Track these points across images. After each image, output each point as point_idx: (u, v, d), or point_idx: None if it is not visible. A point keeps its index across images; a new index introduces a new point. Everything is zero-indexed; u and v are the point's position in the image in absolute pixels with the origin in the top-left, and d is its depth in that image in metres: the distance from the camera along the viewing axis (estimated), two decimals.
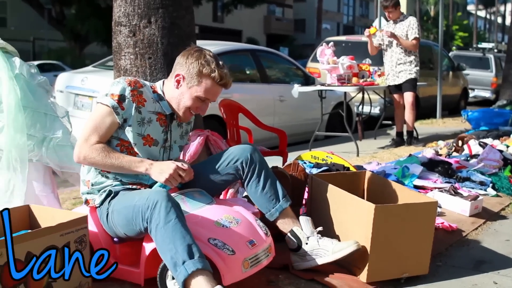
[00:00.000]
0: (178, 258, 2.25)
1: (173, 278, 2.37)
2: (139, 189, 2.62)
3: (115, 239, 2.63)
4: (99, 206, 2.64)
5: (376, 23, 10.15)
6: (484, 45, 20.69)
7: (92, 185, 2.67)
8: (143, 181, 2.64)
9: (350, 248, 2.66)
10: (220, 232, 2.48)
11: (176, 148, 2.82)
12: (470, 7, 72.29)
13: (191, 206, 2.57)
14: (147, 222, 2.35)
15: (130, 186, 2.64)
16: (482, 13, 73.26)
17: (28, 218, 2.61)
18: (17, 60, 3.25)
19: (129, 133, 2.61)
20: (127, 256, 2.64)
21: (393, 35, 7.21)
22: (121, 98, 2.57)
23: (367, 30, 7.38)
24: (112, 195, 2.60)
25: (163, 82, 2.77)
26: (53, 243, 2.25)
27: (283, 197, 2.81)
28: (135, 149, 2.63)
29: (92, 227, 2.63)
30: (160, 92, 2.71)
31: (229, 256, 2.39)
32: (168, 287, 2.42)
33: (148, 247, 2.48)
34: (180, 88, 2.66)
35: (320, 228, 2.80)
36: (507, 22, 63.31)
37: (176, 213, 2.32)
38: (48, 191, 3.15)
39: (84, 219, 2.41)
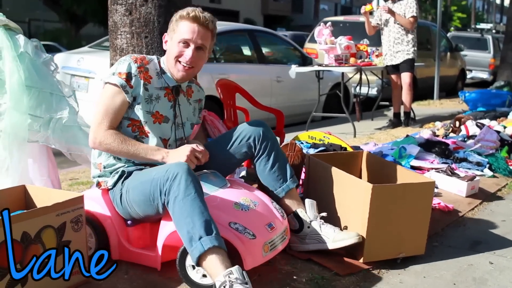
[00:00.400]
0: (195, 233, 2.21)
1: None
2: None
3: (128, 222, 2.60)
4: (111, 188, 2.61)
5: (374, 3, 10.08)
6: (482, 26, 20.62)
7: (104, 167, 2.64)
8: (158, 163, 2.58)
9: (351, 240, 2.66)
10: (240, 215, 2.45)
11: (188, 125, 2.78)
12: None
13: (208, 189, 2.51)
14: (165, 194, 2.31)
15: (143, 167, 2.61)
16: None
17: (24, 198, 2.60)
18: (21, 38, 3.14)
19: (138, 112, 2.57)
20: (141, 239, 2.63)
21: (390, 11, 7.18)
22: (129, 76, 2.54)
23: (363, 7, 7.33)
24: (126, 175, 2.57)
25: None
26: (49, 223, 2.24)
27: (290, 177, 2.81)
28: (146, 128, 2.60)
29: (104, 210, 2.61)
30: (164, 65, 2.68)
31: (250, 240, 2.37)
32: (186, 263, 2.36)
33: (165, 229, 2.44)
34: (167, 45, 2.65)
35: (324, 214, 2.79)
36: (506, 3, 62.95)
37: (196, 187, 2.28)
38: (45, 173, 3.11)
39: (80, 199, 2.39)
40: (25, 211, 2.28)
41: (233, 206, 2.49)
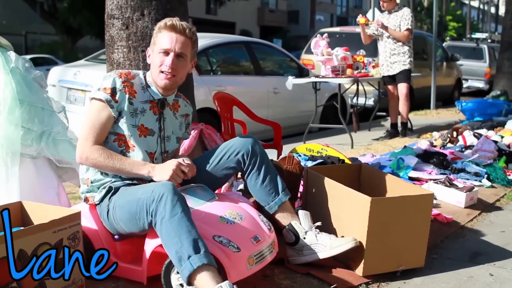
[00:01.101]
0: (183, 253, 2.22)
1: (178, 273, 2.33)
2: (140, 184, 2.59)
3: (115, 236, 2.60)
4: (99, 203, 2.61)
5: (369, 14, 10.14)
6: (477, 35, 20.75)
7: (92, 182, 2.64)
8: (144, 177, 2.59)
9: (348, 245, 2.65)
10: (225, 228, 2.45)
11: (173, 138, 2.78)
12: None
13: (194, 203, 2.52)
14: (152, 216, 2.32)
15: (130, 182, 2.61)
16: (475, 3, 73.25)
17: (21, 215, 2.58)
18: (12, 54, 3.20)
19: (123, 125, 2.59)
20: (128, 253, 2.62)
21: (383, 27, 7.20)
22: (114, 91, 2.56)
23: (358, 17, 7.36)
24: (113, 191, 2.58)
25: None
26: (45, 240, 2.22)
27: (282, 191, 2.80)
28: (132, 142, 2.61)
29: (92, 224, 2.61)
30: (149, 78, 2.69)
31: (235, 253, 2.36)
32: (172, 282, 2.38)
33: (151, 244, 2.45)
34: (150, 58, 2.68)
35: (318, 223, 2.78)
36: (501, 12, 63.31)
37: (182, 206, 2.29)
38: (50, 186, 3.11)
39: (77, 216, 2.38)
40: (22, 228, 2.26)
41: (218, 219, 2.49)
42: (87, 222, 2.60)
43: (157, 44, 2.61)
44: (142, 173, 2.55)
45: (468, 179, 4.52)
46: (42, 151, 3.11)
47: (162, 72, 2.60)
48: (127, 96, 2.58)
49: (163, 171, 2.52)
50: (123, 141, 2.61)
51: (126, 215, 2.46)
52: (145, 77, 2.70)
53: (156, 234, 2.36)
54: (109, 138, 2.61)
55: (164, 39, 2.59)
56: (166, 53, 2.59)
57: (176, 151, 2.87)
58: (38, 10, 27.26)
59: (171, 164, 2.53)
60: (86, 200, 2.68)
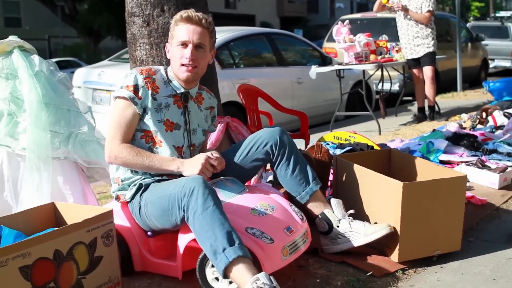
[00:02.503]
0: (218, 246, 2.21)
1: (212, 266, 2.33)
2: (170, 179, 2.59)
3: (148, 233, 2.61)
4: (130, 201, 2.62)
5: None
6: (501, 13, 20.28)
7: (122, 181, 2.66)
8: (173, 173, 2.59)
9: (383, 231, 2.61)
10: (257, 220, 2.44)
11: (199, 131, 2.78)
12: None
13: (225, 196, 2.52)
14: (184, 210, 2.32)
15: (160, 178, 2.62)
16: None
17: (54, 216, 2.60)
18: (36, 58, 3.23)
19: (149, 122, 2.60)
20: (162, 249, 2.62)
21: (404, 9, 7.11)
22: (136, 88, 2.57)
23: None
24: (143, 188, 2.58)
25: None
26: (80, 240, 2.24)
27: (313, 180, 2.78)
28: (159, 137, 2.61)
29: (124, 222, 2.62)
30: (171, 73, 2.70)
31: (268, 245, 2.35)
32: (207, 276, 2.38)
33: (184, 239, 2.45)
34: (169, 53, 2.69)
35: (351, 211, 2.75)
36: None
37: (214, 199, 2.28)
38: (75, 189, 3.13)
39: (109, 214, 2.39)
40: (56, 228, 2.28)
41: (250, 211, 2.48)
42: (120, 220, 2.62)
43: (175, 38, 2.62)
44: (171, 168, 2.55)
45: (500, 160, 4.43)
46: (69, 154, 3.12)
47: (183, 65, 2.60)
48: (150, 92, 2.59)
49: (192, 166, 2.51)
50: (150, 137, 2.62)
51: (158, 211, 2.46)
52: (166, 72, 2.71)
53: (188, 229, 2.35)
54: (136, 136, 2.62)
55: (181, 32, 2.60)
56: (185, 45, 2.60)
57: (204, 145, 2.87)
58: (59, 14, 27.56)
59: (200, 158, 2.52)
60: (117, 198, 2.69)
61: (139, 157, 2.53)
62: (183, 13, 2.61)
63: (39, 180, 2.98)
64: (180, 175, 2.56)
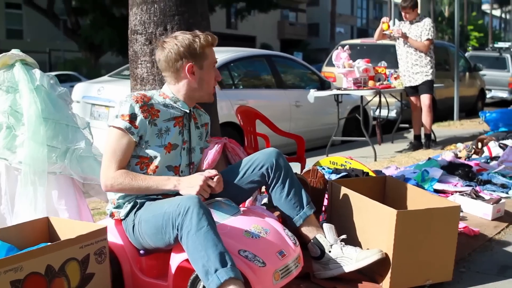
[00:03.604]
0: (210, 266, 2.21)
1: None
2: (165, 198, 2.59)
3: (141, 251, 2.60)
4: (124, 218, 2.62)
5: (390, 24, 10.09)
6: (500, 44, 20.43)
7: (117, 199, 2.66)
8: (171, 192, 2.59)
9: (375, 257, 2.62)
10: (250, 243, 2.44)
11: (198, 150, 2.79)
12: (485, 7, 71.70)
13: (219, 217, 2.52)
14: (177, 229, 2.32)
15: (155, 196, 2.62)
16: (497, 12, 72.66)
17: (48, 231, 2.61)
18: (37, 72, 3.24)
19: (148, 149, 2.59)
20: (153, 268, 2.61)
21: (403, 36, 7.18)
22: (132, 117, 2.54)
23: (384, 18, 7.38)
24: (138, 205, 2.59)
25: (167, 86, 2.72)
26: (72, 256, 2.24)
27: (307, 204, 2.79)
28: (155, 163, 2.60)
29: (117, 239, 2.62)
30: (172, 95, 2.69)
31: (260, 268, 2.35)
32: None
33: (176, 259, 2.44)
34: (196, 73, 2.65)
35: (343, 236, 2.76)
36: None
37: (208, 220, 2.29)
38: (70, 204, 3.12)
39: (103, 231, 2.39)
40: (49, 243, 2.29)
41: (243, 233, 2.48)
42: (113, 237, 2.61)
43: (208, 59, 2.67)
44: (168, 187, 2.55)
45: (494, 191, 4.46)
46: (65, 169, 3.13)
47: (214, 86, 2.74)
48: (148, 120, 2.56)
49: (190, 186, 2.51)
50: (146, 164, 2.61)
51: (152, 229, 2.46)
52: (162, 94, 2.70)
53: (181, 248, 2.36)
54: (131, 162, 2.61)
55: (212, 54, 2.69)
56: (215, 65, 2.73)
57: (200, 162, 2.88)
58: (61, 28, 27.68)
59: (198, 179, 2.52)
60: (111, 215, 2.69)
61: (135, 182, 2.53)
62: (210, 37, 2.66)
63: (34, 194, 2.98)
64: (175, 194, 2.56)
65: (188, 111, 2.70)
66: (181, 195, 2.51)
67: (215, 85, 2.74)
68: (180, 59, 2.61)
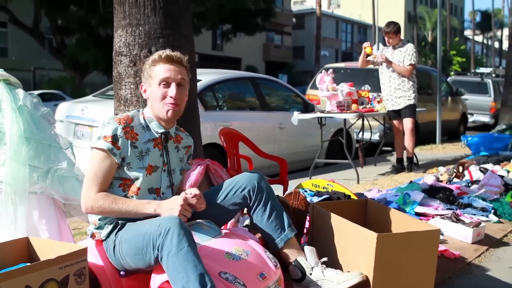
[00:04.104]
0: (190, 287, 2.22)
1: None
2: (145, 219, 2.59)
3: (121, 273, 2.59)
4: (105, 239, 2.61)
5: (374, 47, 10.22)
6: (482, 70, 20.75)
7: (99, 220, 2.65)
8: (151, 215, 2.57)
9: (355, 279, 2.63)
10: (231, 265, 2.44)
11: (177, 171, 2.80)
12: (467, 32, 72.91)
13: (200, 239, 2.52)
14: (158, 250, 2.31)
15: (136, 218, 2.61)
16: (479, 38, 73.86)
17: (27, 251, 2.59)
18: (20, 92, 3.24)
19: (130, 171, 2.60)
20: None
21: (387, 60, 7.27)
22: (115, 138, 2.55)
23: (366, 43, 7.46)
24: (119, 226, 2.58)
25: (147, 106, 2.74)
26: (52, 276, 2.22)
27: (288, 227, 2.80)
28: (137, 185, 2.61)
29: (98, 260, 2.60)
30: (149, 115, 2.71)
31: None
32: None
33: (157, 280, 2.43)
34: (147, 92, 2.69)
35: (325, 259, 2.77)
36: (504, 47, 63.71)
37: (188, 241, 2.28)
38: (51, 224, 3.10)
39: (83, 252, 2.38)
40: (28, 264, 2.27)
41: (225, 255, 2.48)
42: (93, 258, 2.60)
43: (155, 78, 2.63)
44: (148, 211, 2.54)
45: (475, 214, 4.51)
46: (46, 189, 3.11)
47: (166, 103, 2.62)
48: (129, 141, 2.58)
49: (170, 209, 2.51)
50: (128, 186, 2.62)
51: (133, 250, 2.46)
52: (143, 115, 2.72)
53: (162, 269, 2.35)
54: (114, 184, 2.61)
55: (162, 71, 2.62)
56: (168, 84, 2.62)
57: (181, 184, 2.88)
58: (46, 47, 27.62)
59: (178, 200, 2.53)
60: (92, 236, 2.68)
61: (115, 205, 2.52)
62: (161, 53, 2.64)
63: (14, 214, 2.95)
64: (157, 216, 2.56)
65: (163, 132, 2.70)
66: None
67: (172, 103, 2.62)
68: (142, 79, 2.72)
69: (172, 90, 2.61)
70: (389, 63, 7.28)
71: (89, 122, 6.46)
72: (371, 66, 7.70)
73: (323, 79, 7.42)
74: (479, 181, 5.43)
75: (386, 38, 7.51)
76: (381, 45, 7.86)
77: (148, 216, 2.55)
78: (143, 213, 2.55)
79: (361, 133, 7.82)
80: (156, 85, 2.63)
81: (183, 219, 2.49)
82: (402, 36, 7.51)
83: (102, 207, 2.52)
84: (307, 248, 2.79)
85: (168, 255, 2.28)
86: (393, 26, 7.39)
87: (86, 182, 2.57)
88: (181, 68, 2.66)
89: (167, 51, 2.65)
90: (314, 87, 9.53)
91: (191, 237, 2.33)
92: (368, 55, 7.45)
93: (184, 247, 2.26)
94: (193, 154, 2.99)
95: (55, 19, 26.84)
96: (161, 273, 2.40)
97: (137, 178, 2.61)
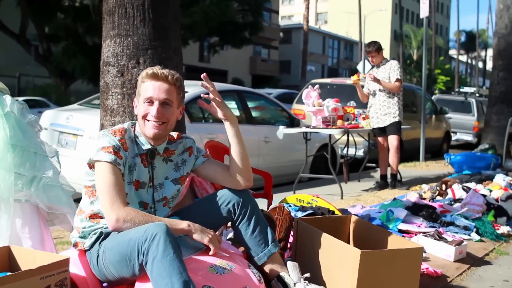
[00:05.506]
0: None
1: None
2: None
3: (104, 284, 2.57)
4: (89, 249, 2.59)
5: (360, 65, 10.30)
6: (466, 89, 20.97)
7: (83, 228, 2.62)
8: (184, 230, 2.53)
9: None
10: (215, 278, 2.43)
11: (168, 184, 2.76)
12: (452, 52, 73.82)
13: (184, 252, 2.49)
14: (143, 255, 2.28)
15: None
16: (463, 58, 74.83)
17: (8, 260, 2.55)
18: (7, 98, 3.19)
19: (124, 184, 2.58)
20: None
21: (376, 80, 7.32)
22: (115, 148, 2.53)
23: (352, 77, 7.52)
24: (103, 236, 2.55)
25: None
26: (32, 287, 2.20)
27: (272, 242, 2.80)
28: (127, 199, 2.56)
29: (80, 271, 2.57)
30: (137, 130, 2.69)
31: None
32: None
33: None
34: (137, 108, 2.67)
35: (307, 275, 2.77)
36: (488, 67, 64.58)
37: (174, 248, 2.26)
38: (34, 233, 3.07)
39: (65, 262, 2.35)
40: (9, 273, 2.24)
41: (208, 269, 2.47)
42: (75, 268, 2.57)
43: (142, 94, 2.62)
44: (181, 226, 2.48)
45: (457, 233, 4.53)
46: (31, 197, 3.07)
47: (149, 121, 2.60)
48: (126, 153, 2.57)
49: (202, 231, 2.50)
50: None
51: (116, 257, 2.42)
52: (134, 128, 2.70)
53: (146, 278, 2.32)
54: None
55: (147, 88, 2.60)
56: (151, 102, 2.60)
57: (177, 195, 2.83)
58: (33, 53, 27.49)
59: (211, 231, 2.54)
60: (75, 245, 2.65)
61: (149, 217, 2.45)
62: (149, 70, 2.62)
63: None
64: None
65: (150, 149, 2.67)
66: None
67: (155, 121, 2.59)
68: (136, 92, 2.70)
69: (154, 109, 2.58)
70: (377, 81, 7.33)
71: (73, 131, 6.42)
72: (365, 90, 7.73)
73: (310, 94, 7.46)
74: (462, 199, 5.46)
75: (369, 58, 7.58)
76: (367, 63, 7.92)
77: (181, 231, 2.49)
78: (176, 228, 2.46)
79: (345, 148, 7.86)
80: (141, 102, 2.62)
81: (213, 249, 2.49)
82: (388, 54, 7.58)
83: (136, 218, 2.43)
84: (290, 264, 2.79)
85: (153, 260, 2.25)
86: (373, 45, 7.47)
87: (106, 196, 2.47)
88: (168, 87, 2.61)
89: (155, 68, 2.62)
90: (300, 101, 9.58)
91: (177, 244, 2.31)
92: (359, 79, 7.48)
93: (170, 253, 2.24)
94: None
95: (42, 26, 26.75)
96: (145, 282, 2.37)
97: (127, 193, 2.58)
